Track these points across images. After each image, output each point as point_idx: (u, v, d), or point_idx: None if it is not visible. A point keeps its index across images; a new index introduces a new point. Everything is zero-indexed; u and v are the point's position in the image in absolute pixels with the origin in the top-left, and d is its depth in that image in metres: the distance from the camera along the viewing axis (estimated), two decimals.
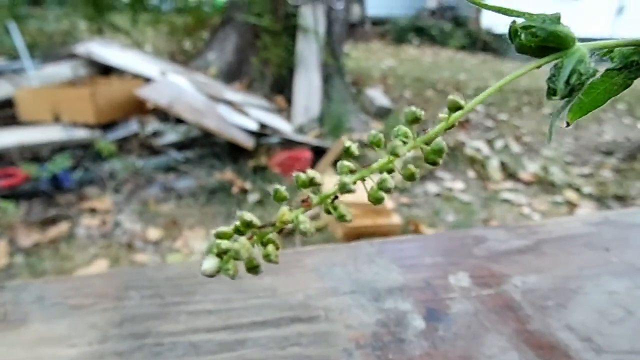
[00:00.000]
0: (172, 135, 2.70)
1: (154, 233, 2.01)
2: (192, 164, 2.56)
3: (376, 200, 0.15)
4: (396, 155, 0.14)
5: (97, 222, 2.07)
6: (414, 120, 0.15)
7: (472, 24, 8.04)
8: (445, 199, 2.46)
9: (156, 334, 0.31)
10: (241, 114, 2.78)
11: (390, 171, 0.15)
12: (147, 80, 2.83)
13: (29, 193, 2.19)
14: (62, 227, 2.00)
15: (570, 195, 2.56)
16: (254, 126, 2.71)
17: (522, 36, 0.17)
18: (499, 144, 3.22)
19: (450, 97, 0.15)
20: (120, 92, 2.75)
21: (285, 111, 3.23)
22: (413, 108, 0.15)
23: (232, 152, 2.64)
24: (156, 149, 2.64)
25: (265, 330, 0.32)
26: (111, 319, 0.32)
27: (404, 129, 0.15)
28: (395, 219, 2.05)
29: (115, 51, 3.14)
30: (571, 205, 2.46)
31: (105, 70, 2.97)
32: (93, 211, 2.15)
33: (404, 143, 0.14)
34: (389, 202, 2.08)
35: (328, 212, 0.14)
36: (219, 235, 0.14)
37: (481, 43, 7.55)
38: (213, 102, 2.77)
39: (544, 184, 2.69)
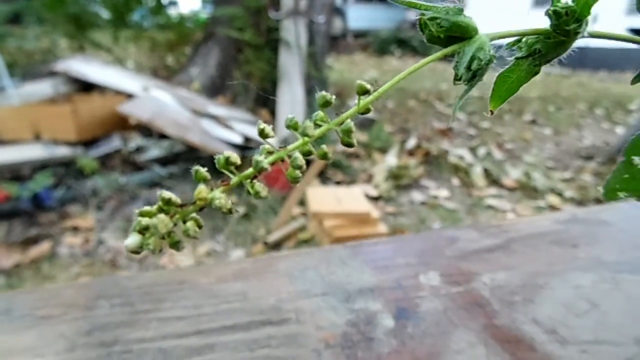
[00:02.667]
0: (155, 150, 2.68)
1: None
2: (177, 179, 2.55)
3: (293, 179, 0.15)
4: (308, 135, 0.15)
5: (80, 240, 2.04)
6: (324, 104, 0.16)
7: None
8: (431, 207, 2.48)
9: (125, 341, 0.31)
10: (225, 128, 2.78)
11: (307, 153, 0.16)
12: (129, 96, 2.82)
13: (9, 213, 2.15)
14: (44, 247, 1.96)
15: (553, 199, 2.59)
16: (238, 140, 2.71)
17: (431, 28, 0.18)
18: (481, 151, 3.26)
19: (358, 81, 0.16)
20: (102, 108, 2.73)
21: (270, 124, 3.23)
22: (323, 92, 0.16)
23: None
24: (139, 165, 2.62)
25: (235, 334, 0.32)
26: (80, 328, 0.32)
27: (321, 113, 0.16)
28: (382, 228, 2.05)
29: (97, 68, 3.13)
30: (554, 210, 2.50)
31: (86, 87, 2.95)
32: (75, 229, 2.12)
33: (319, 126, 0.15)
34: (374, 212, 2.09)
35: (248, 193, 0.15)
36: (142, 214, 0.14)
37: None
38: (197, 117, 2.76)
39: (527, 190, 2.72)
